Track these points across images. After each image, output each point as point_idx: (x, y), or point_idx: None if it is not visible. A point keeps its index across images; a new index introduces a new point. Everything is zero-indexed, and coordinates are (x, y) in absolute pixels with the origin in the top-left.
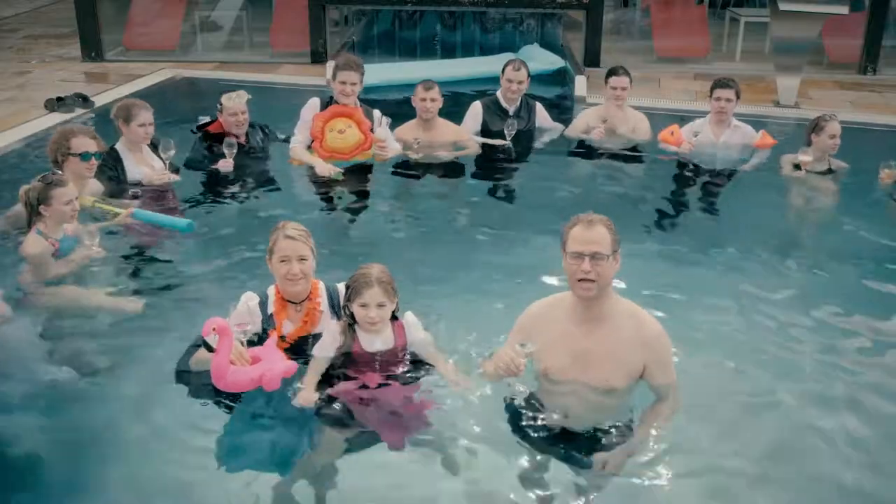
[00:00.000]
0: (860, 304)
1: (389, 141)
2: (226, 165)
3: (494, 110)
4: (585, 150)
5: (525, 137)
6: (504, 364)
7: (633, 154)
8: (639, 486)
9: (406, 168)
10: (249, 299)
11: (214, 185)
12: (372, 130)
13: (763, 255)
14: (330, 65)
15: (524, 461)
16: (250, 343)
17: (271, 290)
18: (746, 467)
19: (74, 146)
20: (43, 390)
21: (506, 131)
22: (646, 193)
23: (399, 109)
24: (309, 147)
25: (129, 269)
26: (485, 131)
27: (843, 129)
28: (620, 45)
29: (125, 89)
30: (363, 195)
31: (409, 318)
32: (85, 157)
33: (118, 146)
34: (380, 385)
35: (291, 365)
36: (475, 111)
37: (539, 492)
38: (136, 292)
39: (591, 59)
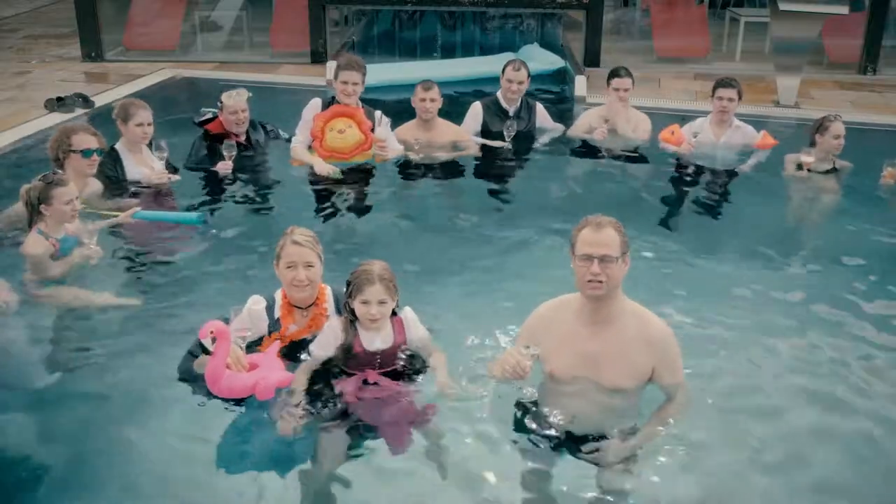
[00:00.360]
0: (862, 303)
1: (390, 141)
2: (225, 168)
3: (494, 111)
4: (586, 150)
5: (525, 138)
6: (510, 367)
7: (634, 154)
8: (642, 488)
9: (406, 168)
10: (256, 303)
11: (214, 186)
12: (373, 130)
13: (765, 254)
14: (331, 65)
15: (529, 463)
16: (252, 345)
17: (278, 294)
18: (752, 468)
19: (76, 143)
20: (42, 390)
21: (505, 132)
22: (647, 193)
23: (398, 108)
24: (309, 147)
25: (128, 270)
26: (485, 132)
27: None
28: (620, 45)
29: (125, 89)
30: (363, 195)
31: (408, 313)
32: (86, 153)
33: (118, 146)
34: (380, 383)
35: (288, 376)
36: (475, 111)
37: (543, 493)
38: (136, 293)
39: (591, 59)
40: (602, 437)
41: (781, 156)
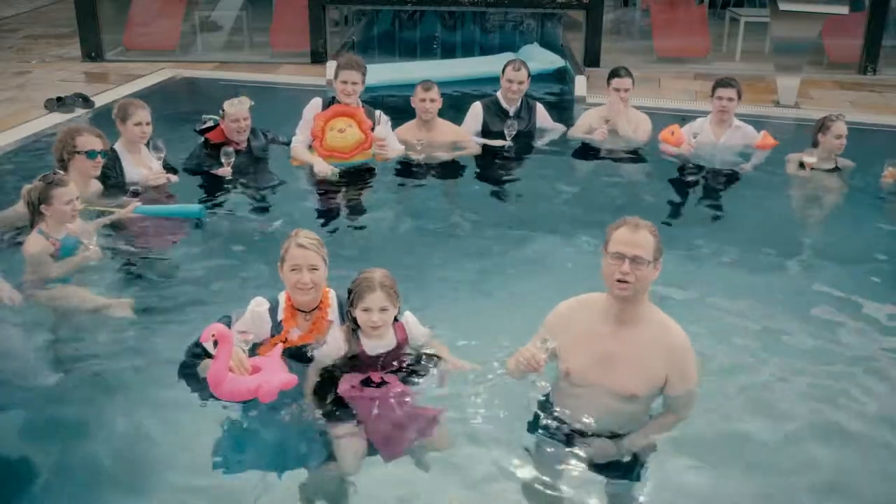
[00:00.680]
0: (863, 302)
1: (391, 141)
2: (223, 174)
3: (495, 111)
4: (587, 150)
5: (525, 138)
6: (525, 359)
7: (634, 155)
8: (646, 491)
9: (406, 168)
10: (258, 305)
11: (213, 189)
12: (373, 130)
13: (766, 253)
14: (331, 64)
15: (533, 463)
16: (254, 348)
17: (282, 297)
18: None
19: (80, 144)
20: (42, 391)
21: (506, 131)
22: (647, 194)
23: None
24: (310, 147)
25: (128, 270)
26: (485, 132)
27: None
28: (620, 45)
29: (125, 89)
30: (363, 196)
31: (408, 317)
32: (91, 155)
33: (117, 146)
34: (382, 384)
35: (291, 378)
36: (475, 111)
37: (546, 494)
38: (136, 293)
39: (591, 59)
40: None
41: (782, 156)
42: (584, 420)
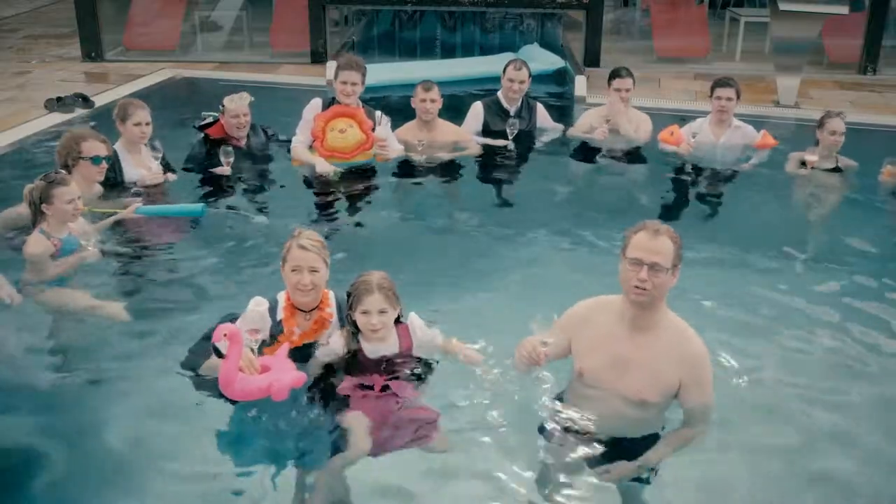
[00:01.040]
0: (864, 301)
1: (391, 141)
2: (222, 172)
3: (495, 110)
4: (587, 150)
5: (526, 138)
6: (526, 352)
7: (634, 155)
8: (649, 493)
9: (407, 169)
10: (258, 304)
11: (213, 188)
12: (373, 130)
13: (766, 253)
14: (331, 65)
15: (536, 464)
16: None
17: (281, 296)
18: (757, 469)
19: (85, 150)
20: (42, 391)
21: (508, 130)
22: (647, 194)
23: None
24: (310, 147)
25: (128, 271)
26: (486, 131)
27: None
28: (620, 45)
29: (125, 89)
30: (364, 196)
31: (413, 319)
32: (96, 160)
33: (117, 146)
34: (385, 388)
35: (301, 375)
36: (476, 111)
37: (555, 494)
38: (136, 294)
39: (591, 59)
40: (615, 445)
41: (782, 156)
42: (595, 422)
